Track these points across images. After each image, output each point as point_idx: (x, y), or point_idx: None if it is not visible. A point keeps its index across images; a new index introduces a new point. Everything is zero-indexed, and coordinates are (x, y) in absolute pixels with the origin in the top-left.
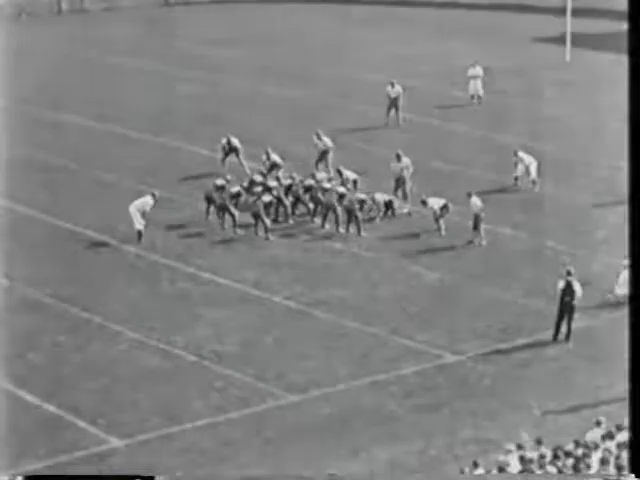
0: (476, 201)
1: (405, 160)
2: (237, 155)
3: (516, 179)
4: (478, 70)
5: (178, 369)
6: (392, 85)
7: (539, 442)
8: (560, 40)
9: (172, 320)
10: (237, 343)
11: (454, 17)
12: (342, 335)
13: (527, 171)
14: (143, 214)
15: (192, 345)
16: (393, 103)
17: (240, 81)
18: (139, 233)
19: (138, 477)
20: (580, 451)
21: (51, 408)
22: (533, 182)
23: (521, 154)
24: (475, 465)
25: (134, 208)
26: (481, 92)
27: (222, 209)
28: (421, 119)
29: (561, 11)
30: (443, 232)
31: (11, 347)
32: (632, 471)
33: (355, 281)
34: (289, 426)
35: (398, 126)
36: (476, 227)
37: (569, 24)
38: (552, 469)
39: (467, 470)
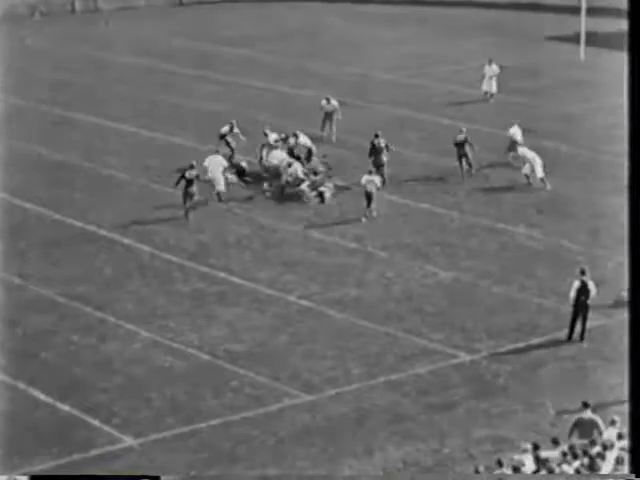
0: (370, 178)
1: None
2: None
3: (527, 177)
4: (494, 68)
5: (192, 368)
6: (327, 101)
7: (555, 442)
8: (574, 39)
9: (186, 319)
10: (251, 342)
11: (468, 16)
12: (357, 334)
13: (532, 169)
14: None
15: (206, 344)
16: (328, 117)
17: (253, 80)
18: (219, 195)
19: (145, 477)
20: (595, 450)
21: (65, 407)
22: (542, 180)
23: (522, 150)
24: (500, 464)
25: (219, 172)
26: (494, 89)
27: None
28: (433, 118)
29: (576, 10)
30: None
31: (25, 346)
32: (632, 471)
33: (370, 280)
34: (303, 425)
35: (332, 141)
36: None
37: (583, 23)
38: (567, 468)
39: (482, 469)
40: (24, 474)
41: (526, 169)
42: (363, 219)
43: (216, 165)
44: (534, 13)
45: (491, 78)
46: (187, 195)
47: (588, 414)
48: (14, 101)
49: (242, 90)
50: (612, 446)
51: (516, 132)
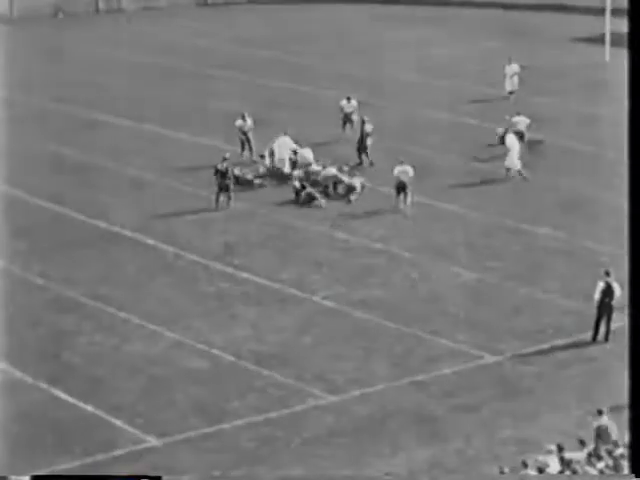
0: (402, 169)
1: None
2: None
3: (508, 170)
4: (514, 67)
5: (216, 369)
6: (348, 100)
7: (582, 443)
8: (600, 40)
9: (210, 320)
10: (276, 343)
11: (493, 17)
12: (381, 335)
13: (510, 157)
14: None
15: (231, 345)
16: (347, 117)
17: (277, 81)
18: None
19: (146, 477)
20: (619, 452)
21: (88, 407)
22: (519, 172)
23: (508, 138)
24: (525, 465)
25: (287, 154)
26: (516, 87)
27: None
28: (457, 118)
29: (601, 11)
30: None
31: (47, 346)
32: (632, 471)
33: (394, 281)
34: (328, 426)
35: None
36: (399, 194)
37: (608, 24)
38: (590, 470)
39: (507, 470)
40: (39, 474)
41: (508, 162)
42: (408, 211)
43: (284, 147)
44: (559, 14)
45: (512, 77)
46: (220, 187)
47: (605, 420)
48: (37, 101)
49: (266, 91)
50: None
51: (520, 121)
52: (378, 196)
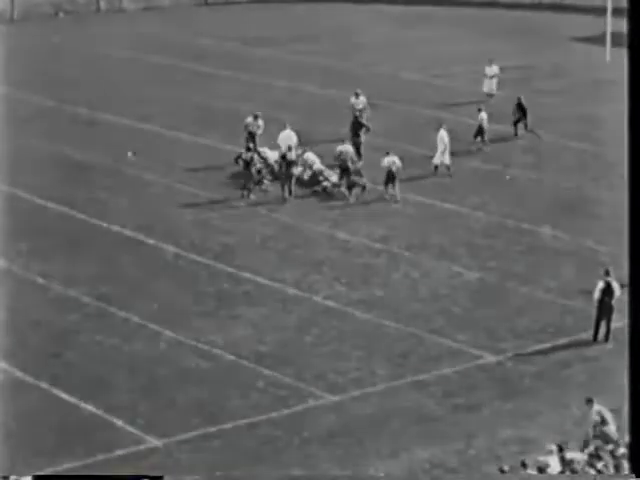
0: (392, 159)
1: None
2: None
3: (436, 167)
4: (494, 68)
5: (217, 369)
6: (356, 96)
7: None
8: (600, 40)
9: (211, 319)
10: (276, 343)
11: (495, 16)
12: (382, 335)
13: (444, 152)
14: (289, 148)
15: (231, 345)
16: (357, 114)
17: (280, 80)
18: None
19: (147, 477)
20: (621, 452)
21: (89, 407)
22: (448, 168)
23: (441, 134)
24: (524, 465)
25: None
26: (494, 91)
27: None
28: (459, 118)
29: (602, 11)
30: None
31: (48, 346)
32: (632, 471)
33: (395, 280)
34: (328, 426)
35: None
36: (388, 183)
37: (609, 24)
38: (591, 470)
39: (507, 468)
40: (40, 474)
41: (437, 158)
42: (395, 204)
43: (286, 140)
44: (560, 14)
45: (491, 78)
46: (246, 177)
47: (598, 407)
48: (38, 100)
49: (268, 90)
50: None
51: (481, 116)
52: (378, 195)
